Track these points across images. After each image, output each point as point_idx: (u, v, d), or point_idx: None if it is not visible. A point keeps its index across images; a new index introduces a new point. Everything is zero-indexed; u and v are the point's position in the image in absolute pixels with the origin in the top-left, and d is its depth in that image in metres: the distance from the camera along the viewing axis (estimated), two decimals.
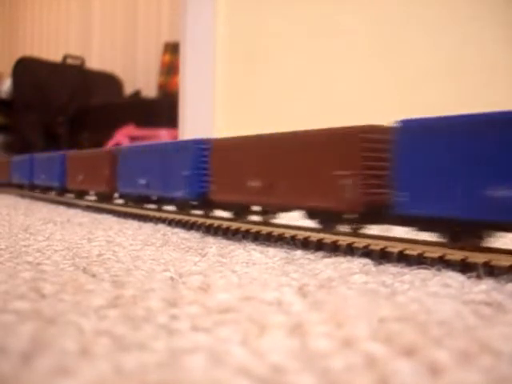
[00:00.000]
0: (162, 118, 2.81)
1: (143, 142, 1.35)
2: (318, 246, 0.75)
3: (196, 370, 0.29)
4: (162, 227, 1.02)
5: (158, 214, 1.13)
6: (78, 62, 3.67)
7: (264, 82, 1.90)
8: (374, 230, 0.77)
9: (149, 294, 0.46)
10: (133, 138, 2.90)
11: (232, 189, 0.91)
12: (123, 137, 2.94)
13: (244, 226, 0.88)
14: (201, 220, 0.99)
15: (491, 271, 0.56)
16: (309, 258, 0.69)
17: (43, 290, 0.47)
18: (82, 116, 3.41)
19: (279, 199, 0.82)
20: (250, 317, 0.38)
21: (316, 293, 0.48)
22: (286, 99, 1.84)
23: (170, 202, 1.16)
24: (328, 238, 0.74)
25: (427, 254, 0.62)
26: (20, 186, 2.29)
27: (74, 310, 0.41)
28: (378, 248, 0.67)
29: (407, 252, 0.64)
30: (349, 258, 0.67)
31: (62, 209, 1.53)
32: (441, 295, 0.48)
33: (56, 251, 0.71)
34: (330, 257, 0.69)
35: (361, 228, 0.76)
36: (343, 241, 0.72)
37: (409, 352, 0.32)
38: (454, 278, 0.54)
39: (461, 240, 0.62)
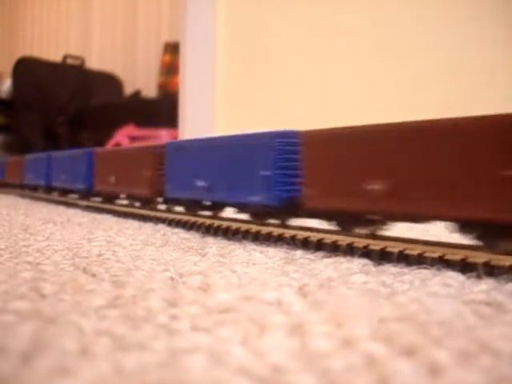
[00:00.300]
0: (162, 118, 2.81)
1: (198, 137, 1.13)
2: (318, 246, 0.74)
3: (196, 370, 0.29)
4: (162, 227, 1.02)
5: (158, 214, 1.13)
6: (77, 62, 3.68)
7: (264, 81, 1.90)
8: None
9: (149, 294, 0.46)
10: (133, 138, 2.91)
11: (341, 193, 0.73)
12: (123, 137, 2.95)
13: (244, 226, 0.88)
14: (201, 220, 0.99)
15: (491, 271, 0.56)
16: (309, 258, 0.69)
17: (43, 289, 0.47)
18: (82, 116, 3.41)
19: (410, 207, 0.65)
20: (249, 317, 0.38)
21: (316, 293, 0.48)
22: (286, 99, 1.84)
23: (242, 208, 0.95)
24: (328, 237, 0.74)
25: (427, 254, 0.62)
26: (34, 188, 2.05)
27: (73, 310, 0.41)
28: (377, 248, 0.67)
29: (407, 252, 0.64)
30: (349, 257, 0.67)
31: (61, 209, 1.52)
32: (441, 295, 0.48)
33: (56, 251, 0.71)
34: (329, 257, 0.69)
35: None
36: (343, 241, 0.72)
37: (409, 352, 0.32)
38: (453, 278, 0.54)
39: None
